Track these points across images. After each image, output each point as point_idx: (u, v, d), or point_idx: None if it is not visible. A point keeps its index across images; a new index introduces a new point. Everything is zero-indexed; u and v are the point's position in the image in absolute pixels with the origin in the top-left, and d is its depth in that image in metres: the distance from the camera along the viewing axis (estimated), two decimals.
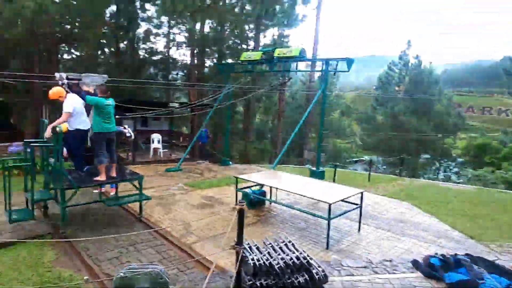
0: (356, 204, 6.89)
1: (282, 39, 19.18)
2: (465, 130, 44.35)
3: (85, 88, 6.58)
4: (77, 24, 13.63)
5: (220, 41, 17.28)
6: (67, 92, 6.48)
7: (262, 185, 8.24)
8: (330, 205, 5.89)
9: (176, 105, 13.83)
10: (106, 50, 19.62)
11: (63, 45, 16.82)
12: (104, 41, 17.49)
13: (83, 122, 6.28)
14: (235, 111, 20.70)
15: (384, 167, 32.07)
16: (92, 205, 7.47)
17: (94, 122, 6.19)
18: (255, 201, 8.00)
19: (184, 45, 18.65)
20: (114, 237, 6.05)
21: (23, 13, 10.37)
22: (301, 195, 6.65)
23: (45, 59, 14.76)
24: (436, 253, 4.77)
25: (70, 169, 6.85)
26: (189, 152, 13.27)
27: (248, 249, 3.39)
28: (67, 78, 6.66)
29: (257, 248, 3.44)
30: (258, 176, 8.24)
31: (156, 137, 13.51)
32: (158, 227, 6.64)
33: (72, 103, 6.09)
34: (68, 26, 13.62)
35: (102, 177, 6.32)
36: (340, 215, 6.72)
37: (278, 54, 10.59)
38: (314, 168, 11.03)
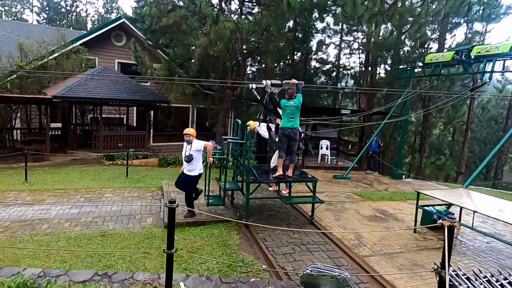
0: None
1: (477, 37, 16.14)
2: None
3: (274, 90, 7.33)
4: (261, 40, 15.25)
5: (397, 45, 16.03)
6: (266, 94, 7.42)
7: (449, 205, 7.01)
8: None
9: (348, 112, 13.55)
10: (281, 62, 21.35)
11: (249, 59, 19.29)
12: (282, 54, 18.99)
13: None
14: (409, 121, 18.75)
15: None
16: (267, 201, 8.08)
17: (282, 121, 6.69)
18: None
19: (359, 51, 18.28)
20: (288, 234, 6.33)
21: (224, 32, 12.38)
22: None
23: (235, 72, 17.23)
24: None
25: (255, 165, 7.55)
26: (357, 162, 12.75)
27: (455, 276, 2.78)
28: (271, 85, 7.54)
29: (467, 279, 2.77)
30: (445, 194, 7.03)
31: (325, 143, 13.63)
32: (330, 232, 6.53)
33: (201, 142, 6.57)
34: (254, 41, 15.40)
35: (279, 172, 6.71)
36: None
37: (478, 53, 8.85)
38: None
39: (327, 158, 13.62)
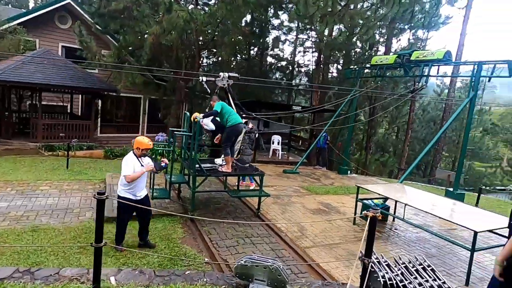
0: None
1: (419, 44, 17.35)
2: None
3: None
4: (216, 32, 15.10)
5: (347, 46, 16.71)
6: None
7: (386, 199, 7.48)
8: (476, 233, 4.87)
9: (299, 108, 13.91)
10: (238, 56, 21.29)
11: (206, 51, 18.97)
12: (238, 48, 18.95)
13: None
14: (357, 120, 19.70)
15: None
16: (215, 195, 8.05)
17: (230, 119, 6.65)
18: None
19: (311, 50, 18.79)
20: (233, 227, 6.37)
21: (177, 22, 12.04)
22: (437, 216, 5.70)
23: (189, 64, 16.88)
24: None
25: (203, 158, 7.49)
26: (307, 157, 13.16)
27: (377, 263, 2.98)
28: (229, 77, 7.51)
29: (388, 265, 2.99)
30: (382, 188, 7.50)
31: (276, 138, 13.87)
32: (274, 224, 6.67)
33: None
34: (209, 33, 15.20)
35: (227, 168, 6.72)
36: (488, 248, 5.51)
37: (416, 57, 9.51)
38: (451, 189, 9.48)
39: (278, 153, 13.89)
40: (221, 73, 7.86)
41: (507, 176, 34.44)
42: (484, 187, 15.44)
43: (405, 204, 6.07)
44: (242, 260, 3.12)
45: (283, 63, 22.31)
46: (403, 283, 2.73)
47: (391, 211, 7.44)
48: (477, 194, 10.12)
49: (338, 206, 8.50)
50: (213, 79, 8.67)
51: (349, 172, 13.01)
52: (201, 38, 15.77)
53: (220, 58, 19.80)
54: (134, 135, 18.27)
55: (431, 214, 5.81)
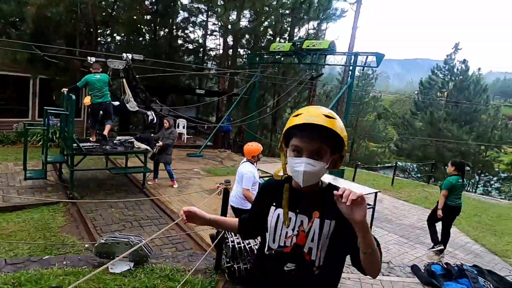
0: (369, 205, 6.57)
1: (318, 34, 18.68)
2: None
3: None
4: (115, 6, 14.12)
5: (253, 32, 17.13)
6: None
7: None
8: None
9: (203, 92, 13.95)
10: (143, 36, 20.10)
11: (108, 29, 17.48)
12: (142, 27, 17.97)
13: None
14: (266, 105, 20.48)
15: (418, 175, 30.62)
16: (106, 180, 7.72)
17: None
18: None
19: (218, 34, 18.74)
20: (122, 211, 6.25)
21: None
22: None
23: (86, 42, 15.44)
24: (440, 261, 4.41)
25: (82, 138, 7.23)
26: (214, 141, 13.33)
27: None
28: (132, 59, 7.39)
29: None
30: (267, 166, 8.09)
31: (181, 122, 13.72)
32: (166, 206, 6.74)
33: None
34: (105, 8, 14.15)
35: (92, 139, 6.97)
36: None
37: (307, 46, 10.30)
38: None
39: (184, 137, 13.79)
40: (124, 54, 7.60)
41: (394, 155, 40.02)
42: (370, 166, 17.70)
43: None
44: (103, 239, 3.14)
45: (192, 46, 21.78)
46: (249, 245, 3.08)
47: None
48: (365, 170, 11.52)
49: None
50: (104, 60, 8.30)
51: None
52: (97, 12, 14.55)
53: (123, 37, 18.53)
54: (23, 120, 16.29)
55: None
